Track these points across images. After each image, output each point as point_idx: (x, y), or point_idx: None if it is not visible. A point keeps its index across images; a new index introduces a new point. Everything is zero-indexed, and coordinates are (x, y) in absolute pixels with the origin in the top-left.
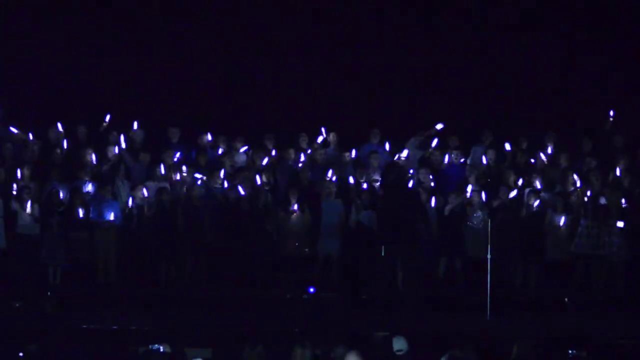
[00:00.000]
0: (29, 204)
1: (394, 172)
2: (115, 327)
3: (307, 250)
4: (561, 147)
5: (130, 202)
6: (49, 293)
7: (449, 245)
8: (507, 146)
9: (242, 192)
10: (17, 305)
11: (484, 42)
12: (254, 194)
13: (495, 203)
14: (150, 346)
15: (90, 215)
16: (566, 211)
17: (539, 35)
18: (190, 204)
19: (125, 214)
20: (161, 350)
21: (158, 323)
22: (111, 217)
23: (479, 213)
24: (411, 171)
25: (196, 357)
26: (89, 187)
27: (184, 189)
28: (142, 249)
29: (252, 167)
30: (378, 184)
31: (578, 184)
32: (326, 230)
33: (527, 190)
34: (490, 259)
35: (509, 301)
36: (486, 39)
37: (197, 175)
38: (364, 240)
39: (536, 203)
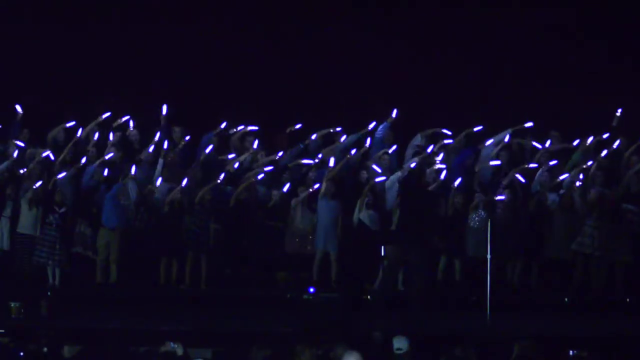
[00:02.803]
0: (30, 204)
1: (416, 174)
2: (115, 327)
3: (309, 247)
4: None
5: (159, 182)
6: (48, 293)
7: (449, 245)
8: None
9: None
10: (17, 305)
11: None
12: (262, 193)
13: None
14: (167, 343)
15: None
16: (565, 209)
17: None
18: (199, 204)
19: (131, 215)
20: (175, 348)
21: (158, 323)
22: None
23: (481, 212)
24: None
25: (196, 357)
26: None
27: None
28: (144, 248)
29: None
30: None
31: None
32: (322, 230)
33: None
34: (490, 258)
35: (509, 301)
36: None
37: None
38: (364, 240)
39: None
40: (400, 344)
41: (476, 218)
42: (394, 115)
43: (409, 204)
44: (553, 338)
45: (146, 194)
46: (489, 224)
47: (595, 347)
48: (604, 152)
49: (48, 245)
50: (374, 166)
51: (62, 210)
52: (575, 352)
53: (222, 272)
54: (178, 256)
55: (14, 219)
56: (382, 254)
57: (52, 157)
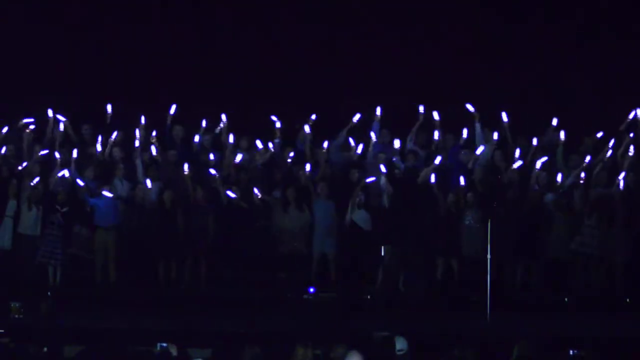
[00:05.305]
0: (29, 204)
1: (411, 173)
2: (115, 327)
3: (299, 247)
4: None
5: (149, 184)
6: (48, 293)
7: (445, 245)
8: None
9: (233, 196)
10: (17, 305)
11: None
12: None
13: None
14: (158, 345)
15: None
16: (564, 209)
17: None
18: (194, 204)
19: (125, 214)
20: (168, 349)
21: (158, 323)
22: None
23: (476, 211)
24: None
25: (196, 357)
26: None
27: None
28: (142, 248)
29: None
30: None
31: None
32: (319, 231)
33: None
34: (490, 258)
35: (509, 301)
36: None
37: (212, 171)
38: (358, 241)
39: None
40: (401, 344)
41: (470, 217)
42: (378, 112)
43: (406, 205)
44: (553, 338)
45: (137, 192)
46: (488, 224)
47: (595, 347)
48: (609, 153)
49: (51, 244)
50: (381, 166)
51: (65, 209)
52: (575, 352)
53: (221, 273)
54: (176, 257)
55: (17, 219)
56: (382, 254)
57: (57, 155)
